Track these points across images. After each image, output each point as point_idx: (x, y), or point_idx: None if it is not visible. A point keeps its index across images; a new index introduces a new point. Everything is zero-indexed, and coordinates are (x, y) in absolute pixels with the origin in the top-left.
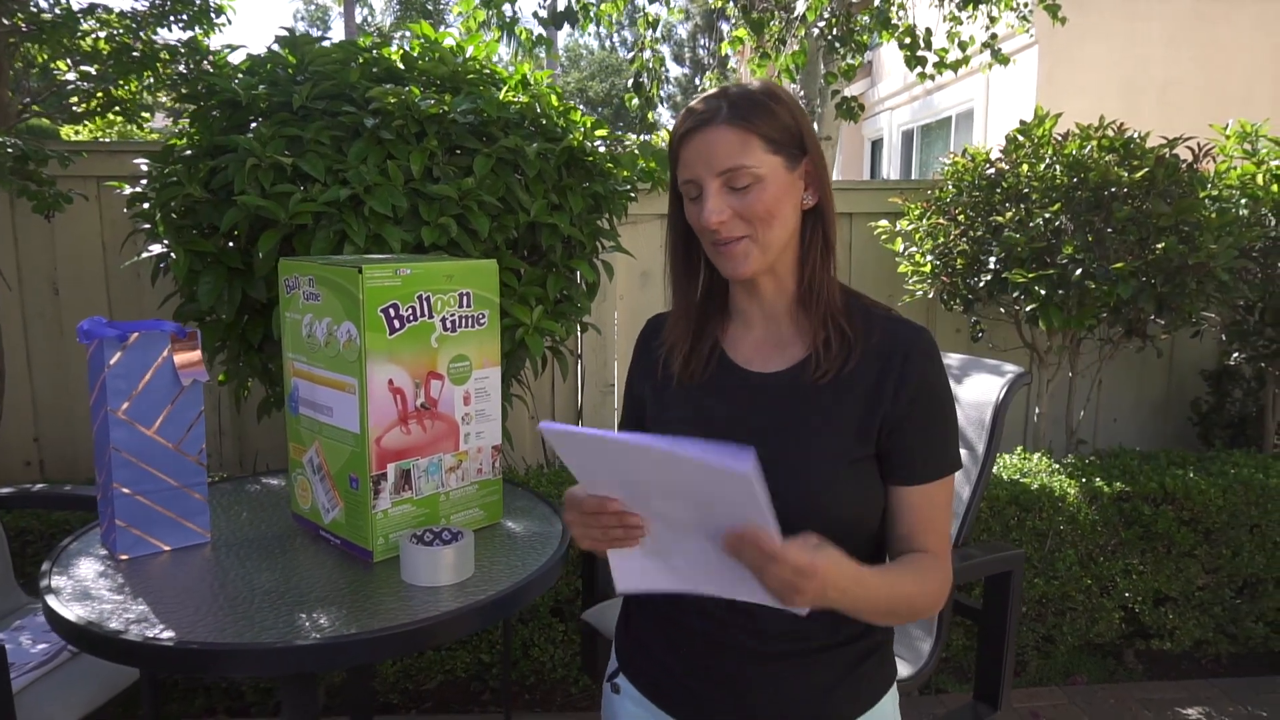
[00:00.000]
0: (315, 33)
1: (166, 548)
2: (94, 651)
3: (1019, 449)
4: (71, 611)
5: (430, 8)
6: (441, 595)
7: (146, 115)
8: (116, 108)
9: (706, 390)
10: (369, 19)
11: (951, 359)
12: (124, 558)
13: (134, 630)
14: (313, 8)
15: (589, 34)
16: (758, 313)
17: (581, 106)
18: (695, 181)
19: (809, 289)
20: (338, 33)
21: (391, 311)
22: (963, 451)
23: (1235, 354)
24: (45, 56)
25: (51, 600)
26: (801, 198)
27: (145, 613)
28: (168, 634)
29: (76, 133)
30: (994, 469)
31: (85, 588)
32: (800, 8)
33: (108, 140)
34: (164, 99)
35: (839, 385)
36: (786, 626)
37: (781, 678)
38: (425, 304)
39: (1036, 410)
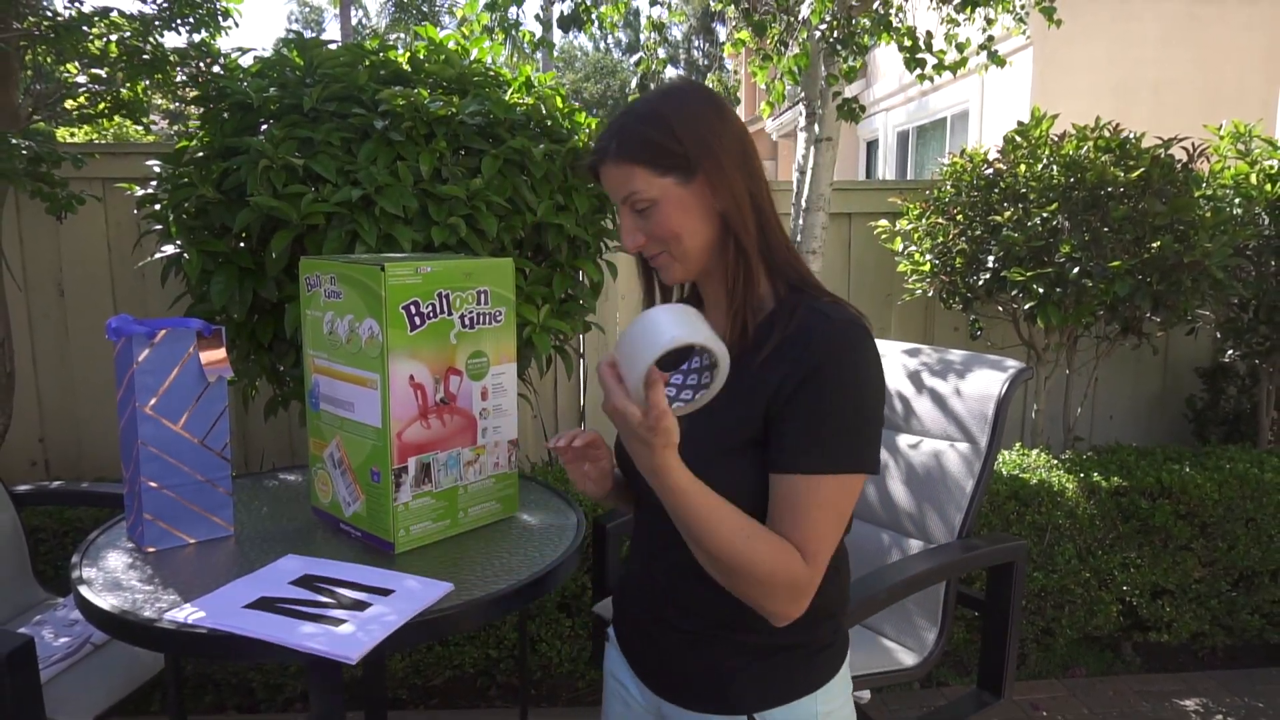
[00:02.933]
0: (310, 35)
1: (192, 541)
2: (129, 639)
3: (1017, 445)
4: (105, 601)
5: (425, 9)
6: (463, 585)
7: (150, 120)
8: (123, 110)
9: None
10: (364, 21)
11: (954, 354)
12: (151, 550)
13: (167, 618)
14: (307, 10)
15: (587, 36)
16: (710, 300)
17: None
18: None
19: (732, 291)
20: (331, 35)
21: (413, 309)
22: (965, 445)
23: (1230, 351)
24: (51, 59)
25: (85, 590)
26: (712, 205)
27: (176, 601)
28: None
29: (72, 134)
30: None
31: (115, 578)
32: (804, 11)
33: (105, 142)
34: (159, 100)
35: (738, 375)
36: (696, 606)
37: (691, 651)
38: (445, 301)
39: (1034, 407)
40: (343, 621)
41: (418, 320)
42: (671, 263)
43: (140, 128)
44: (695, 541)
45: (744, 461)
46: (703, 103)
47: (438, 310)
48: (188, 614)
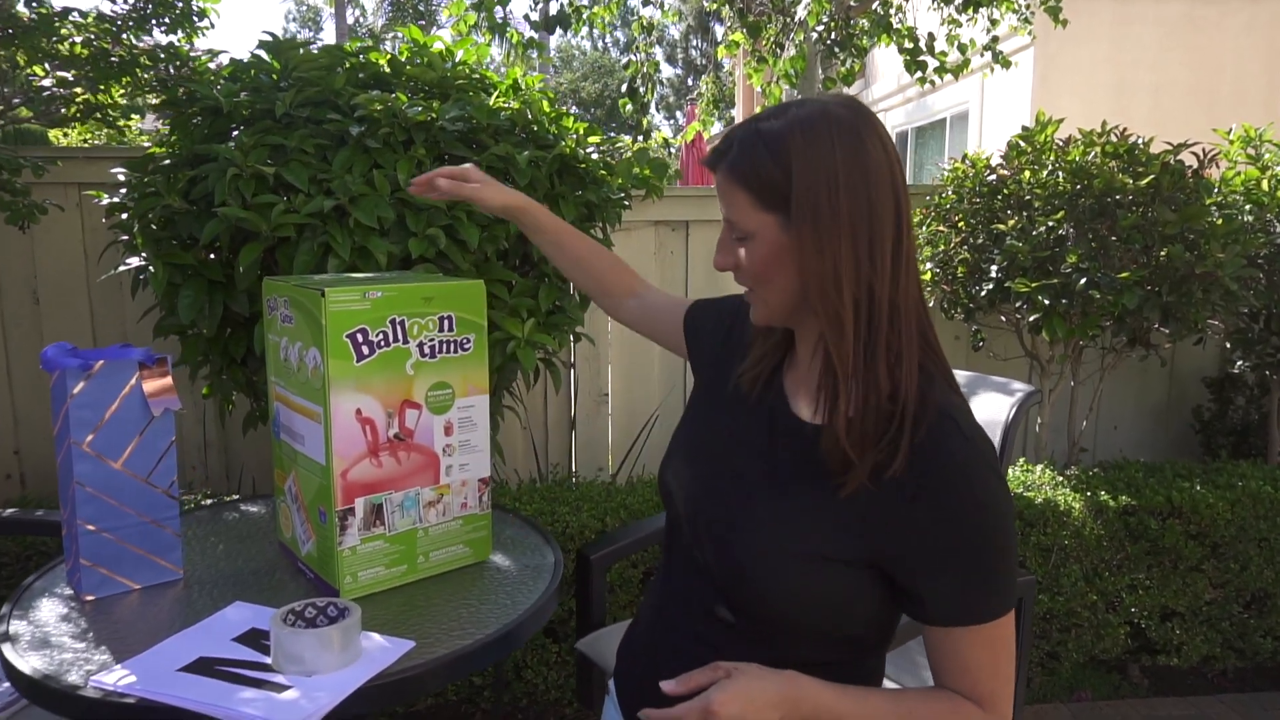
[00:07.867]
0: (306, 34)
1: (136, 586)
2: (50, 708)
3: (1021, 460)
4: (27, 663)
5: (422, 8)
6: (426, 640)
7: (136, 118)
8: (98, 114)
9: (743, 404)
10: (361, 20)
11: (959, 376)
12: (89, 599)
13: (93, 684)
14: (304, 9)
15: (581, 35)
16: (805, 353)
17: (574, 108)
18: None
19: (830, 368)
20: (329, 34)
21: (359, 337)
22: None
23: (1240, 362)
24: (24, 60)
25: (7, 650)
26: (815, 263)
27: (108, 662)
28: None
29: (65, 135)
30: None
31: (45, 634)
32: (800, 13)
33: (89, 145)
34: (153, 100)
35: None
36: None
37: None
38: (399, 329)
39: (1039, 420)
40: (287, 687)
41: (365, 350)
42: (757, 303)
43: (114, 130)
44: None
45: (826, 572)
46: (849, 151)
47: (390, 339)
48: (116, 679)
